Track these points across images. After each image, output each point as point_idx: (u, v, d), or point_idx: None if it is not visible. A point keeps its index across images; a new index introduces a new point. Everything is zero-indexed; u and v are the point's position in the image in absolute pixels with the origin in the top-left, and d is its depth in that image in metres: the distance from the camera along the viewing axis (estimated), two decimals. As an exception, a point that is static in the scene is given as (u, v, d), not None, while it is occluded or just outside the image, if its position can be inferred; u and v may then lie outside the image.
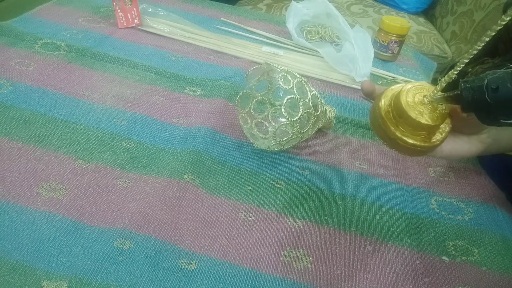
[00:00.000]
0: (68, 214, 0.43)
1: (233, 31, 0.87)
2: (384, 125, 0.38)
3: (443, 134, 0.38)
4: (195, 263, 0.42)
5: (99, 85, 0.63)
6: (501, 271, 0.47)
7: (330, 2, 0.88)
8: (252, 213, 0.48)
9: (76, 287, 0.37)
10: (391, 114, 0.38)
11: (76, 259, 0.39)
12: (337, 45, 0.88)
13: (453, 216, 0.53)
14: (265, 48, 0.82)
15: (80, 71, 0.65)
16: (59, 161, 0.49)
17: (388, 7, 1.53)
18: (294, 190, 0.52)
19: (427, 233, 0.50)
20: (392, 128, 0.37)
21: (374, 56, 0.82)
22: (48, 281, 0.37)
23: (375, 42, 0.86)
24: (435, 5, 1.58)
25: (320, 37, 0.90)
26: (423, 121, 0.36)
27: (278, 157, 0.57)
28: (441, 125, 0.38)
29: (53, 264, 0.38)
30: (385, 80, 0.81)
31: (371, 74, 0.78)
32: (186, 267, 0.41)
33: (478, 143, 0.45)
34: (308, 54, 0.83)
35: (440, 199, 0.55)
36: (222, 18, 0.91)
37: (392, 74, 0.82)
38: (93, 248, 0.41)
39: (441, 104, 0.37)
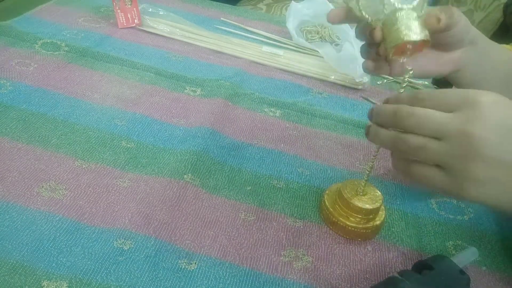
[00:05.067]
0: (68, 214, 0.43)
1: (233, 31, 0.87)
2: (331, 214, 0.47)
3: (380, 220, 0.47)
4: (195, 263, 0.42)
5: (99, 85, 0.63)
6: (501, 271, 0.47)
7: (330, 2, 0.88)
8: (252, 213, 0.48)
9: (76, 287, 0.37)
10: (337, 206, 0.47)
11: (76, 259, 0.39)
12: (337, 45, 0.88)
13: (453, 216, 0.53)
14: (265, 48, 0.82)
15: (80, 71, 0.65)
16: (59, 161, 0.49)
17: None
18: (294, 190, 0.52)
19: (427, 233, 0.50)
20: (338, 216, 0.47)
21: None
22: (48, 281, 0.37)
23: (375, 42, 0.86)
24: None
25: (320, 37, 0.90)
26: (361, 206, 0.45)
27: (278, 157, 0.57)
28: (379, 213, 0.47)
29: (53, 264, 0.38)
30: (385, 80, 0.81)
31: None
32: (186, 267, 0.41)
33: (449, 63, 0.43)
34: (308, 54, 0.83)
35: (440, 199, 0.55)
36: (222, 18, 0.91)
37: (392, 74, 0.82)
38: (93, 248, 0.41)
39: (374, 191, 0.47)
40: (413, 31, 0.36)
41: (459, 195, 0.32)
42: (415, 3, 0.37)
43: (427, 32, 0.37)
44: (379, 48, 0.40)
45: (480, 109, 0.30)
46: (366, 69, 0.44)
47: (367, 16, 0.39)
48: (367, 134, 0.38)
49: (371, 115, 0.37)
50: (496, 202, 0.32)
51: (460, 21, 0.41)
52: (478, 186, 0.31)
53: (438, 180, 0.33)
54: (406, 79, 0.38)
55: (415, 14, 0.37)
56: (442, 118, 0.32)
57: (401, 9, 0.37)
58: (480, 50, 0.45)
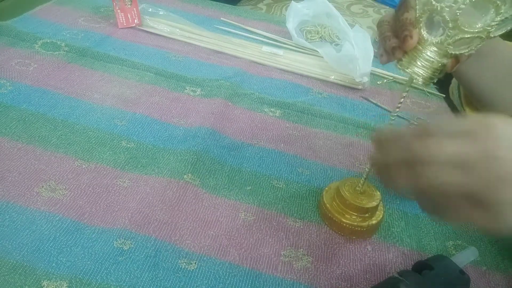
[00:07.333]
0: (68, 214, 0.43)
1: (233, 31, 0.87)
2: (327, 211, 0.48)
3: (377, 220, 0.47)
4: (195, 263, 0.42)
5: (99, 85, 0.63)
6: (501, 271, 0.47)
7: (330, 2, 0.88)
8: (252, 213, 0.48)
9: (76, 287, 0.37)
10: (334, 203, 0.48)
11: (76, 259, 0.39)
12: (337, 45, 0.88)
13: (453, 216, 0.53)
14: (265, 48, 0.82)
15: (80, 71, 0.65)
16: (59, 161, 0.49)
17: (388, 7, 1.53)
18: (294, 190, 0.52)
19: (427, 233, 0.50)
20: (334, 213, 0.47)
21: (374, 56, 0.82)
22: (48, 281, 0.37)
23: (375, 42, 0.86)
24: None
25: (320, 37, 0.90)
26: (357, 204, 0.45)
27: (278, 157, 0.57)
28: (376, 213, 0.47)
29: (53, 264, 0.39)
30: (385, 80, 0.81)
31: (371, 74, 0.78)
32: (186, 267, 0.41)
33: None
34: (308, 54, 0.83)
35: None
36: (222, 18, 0.91)
37: (392, 74, 0.82)
38: (93, 248, 0.41)
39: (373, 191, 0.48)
40: (422, 76, 0.38)
41: (498, 226, 0.28)
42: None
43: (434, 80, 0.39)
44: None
45: (496, 131, 0.28)
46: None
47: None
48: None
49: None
50: None
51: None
52: None
53: (475, 214, 0.29)
54: (407, 89, 0.40)
55: (439, 65, 0.37)
56: (460, 147, 0.28)
57: (431, 43, 0.36)
58: (478, 56, 0.45)
